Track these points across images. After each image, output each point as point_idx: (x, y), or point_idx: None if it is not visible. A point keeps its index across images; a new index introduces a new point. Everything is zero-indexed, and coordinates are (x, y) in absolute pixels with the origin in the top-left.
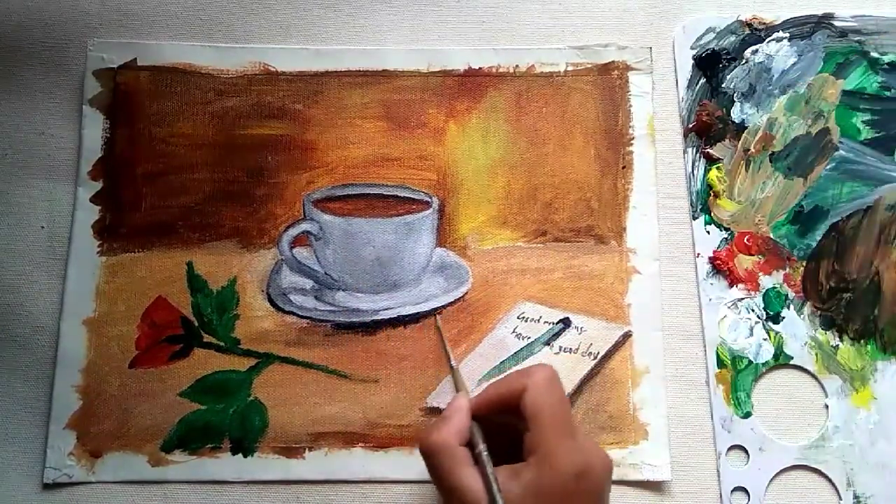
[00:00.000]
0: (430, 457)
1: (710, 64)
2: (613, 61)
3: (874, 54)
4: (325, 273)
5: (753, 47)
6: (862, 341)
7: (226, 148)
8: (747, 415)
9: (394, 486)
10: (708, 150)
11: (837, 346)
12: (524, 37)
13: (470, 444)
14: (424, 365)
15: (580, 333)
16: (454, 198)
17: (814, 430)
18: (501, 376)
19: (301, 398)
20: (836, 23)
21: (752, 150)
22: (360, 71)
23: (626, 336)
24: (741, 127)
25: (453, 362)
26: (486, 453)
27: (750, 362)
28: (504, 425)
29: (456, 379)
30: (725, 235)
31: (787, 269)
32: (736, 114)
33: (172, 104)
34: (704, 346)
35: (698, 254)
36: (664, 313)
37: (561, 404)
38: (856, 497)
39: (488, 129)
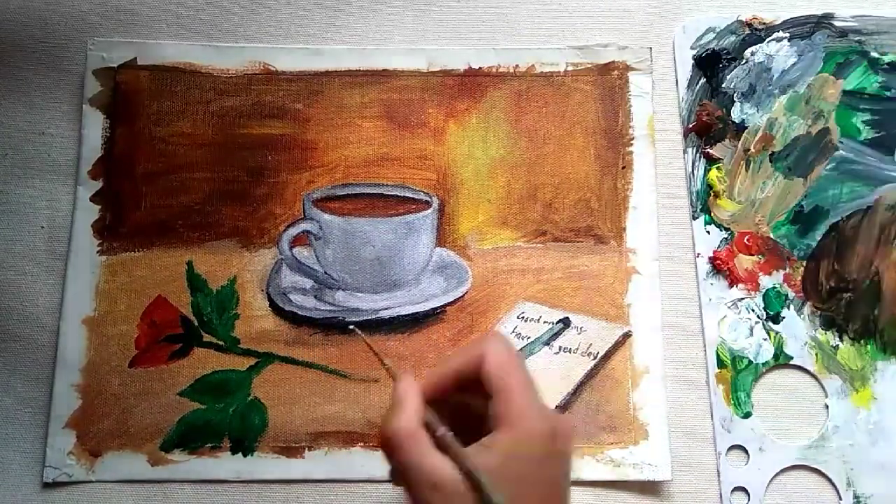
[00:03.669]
0: (394, 445)
1: (710, 64)
2: (613, 61)
3: (874, 54)
4: (325, 273)
5: (753, 47)
6: (862, 341)
7: (226, 147)
8: (747, 415)
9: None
10: (708, 150)
11: (837, 346)
12: (524, 37)
13: (427, 429)
14: (424, 365)
15: (580, 333)
16: (454, 197)
17: (814, 430)
18: (449, 355)
19: (301, 398)
20: (836, 23)
21: (752, 150)
22: (360, 71)
23: (626, 336)
24: (741, 127)
25: (386, 361)
26: (450, 433)
27: (750, 362)
28: (457, 407)
29: (392, 372)
30: (725, 235)
31: (787, 269)
32: (736, 114)
33: (172, 104)
34: (704, 346)
35: (698, 254)
36: (664, 313)
37: (523, 367)
38: (856, 497)
39: (488, 129)
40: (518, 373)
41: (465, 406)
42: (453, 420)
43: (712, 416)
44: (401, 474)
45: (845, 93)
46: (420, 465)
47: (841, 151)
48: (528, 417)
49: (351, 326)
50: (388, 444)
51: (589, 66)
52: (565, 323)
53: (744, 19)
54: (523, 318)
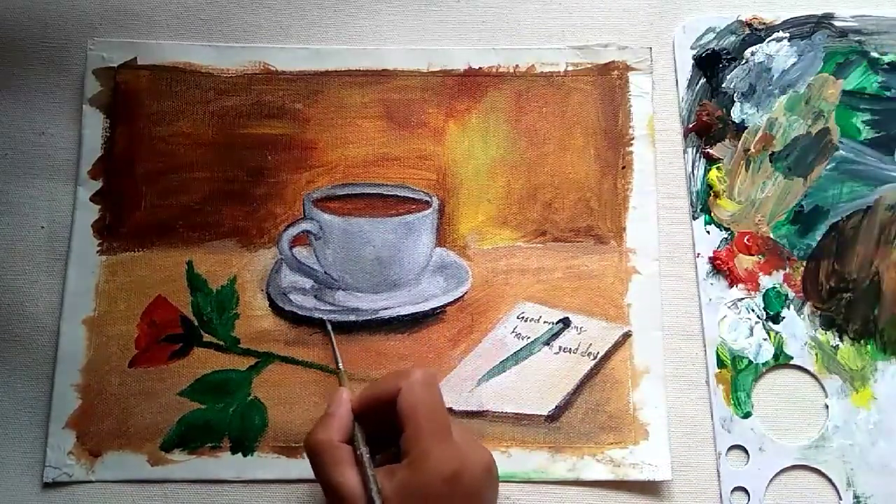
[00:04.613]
0: (314, 455)
1: (710, 64)
2: (613, 61)
3: (874, 54)
4: (325, 272)
5: (753, 47)
6: (862, 341)
7: (226, 147)
8: (747, 415)
9: None
10: (708, 150)
11: (837, 346)
12: (524, 37)
13: (352, 442)
14: (424, 365)
15: (580, 333)
16: (454, 197)
17: (814, 430)
18: (382, 377)
19: (301, 397)
20: (836, 23)
21: (752, 150)
22: (360, 71)
23: (626, 336)
24: (741, 127)
25: (340, 363)
26: (367, 455)
27: (750, 362)
28: (387, 424)
29: (340, 378)
30: (725, 235)
31: (787, 269)
32: (736, 114)
33: (172, 103)
34: (704, 346)
35: (698, 254)
36: (664, 313)
37: (435, 406)
38: (856, 497)
39: (488, 129)
40: (428, 411)
41: (393, 426)
42: (388, 437)
43: (712, 416)
44: (316, 478)
45: (845, 93)
46: (331, 478)
47: (841, 151)
48: (428, 457)
49: (325, 318)
50: (308, 450)
51: (589, 66)
52: (565, 323)
53: (744, 19)
54: (523, 318)
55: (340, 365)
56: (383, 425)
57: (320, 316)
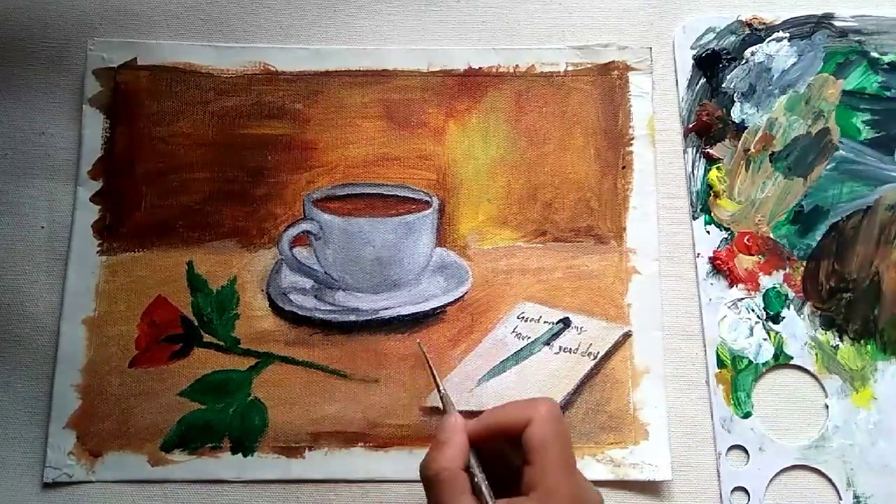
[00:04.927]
0: (436, 484)
1: (710, 64)
2: (613, 61)
3: (874, 54)
4: (325, 273)
5: (753, 47)
6: (862, 341)
7: (226, 148)
8: (747, 415)
9: (394, 485)
10: (708, 150)
11: (837, 346)
12: (524, 37)
13: (467, 470)
14: (424, 364)
15: (580, 333)
16: (454, 197)
17: (814, 430)
18: (501, 405)
19: (301, 398)
20: (836, 23)
21: (752, 150)
22: (360, 71)
23: (626, 336)
24: (741, 127)
25: (442, 388)
26: (486, 483)
27: (750, 362)
28: (494, 452)
29: (445, 403)
30: (725, 235)
31: (787, 269)
32: (736, 114)
33: (172, 104)
34: (704, 346)
35: (698, 254)
36: (664, 313)
37: (566, 440)
38: (856, 497)
39: (488, 129)
40: (559, 446)
41: (504, 455)
42: (491, 464)
43: (712, 416)
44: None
45: (845, 93)
46: None
47: (841, 151)
48: (558, 493)
49: (418, 342)
50: (428, 481)
51: (589, 66)
52: (565, 323)
53: (744, 19)
54: (523, 318)
55: (442, 389)
56: (493, 452)
57: (418, 342)
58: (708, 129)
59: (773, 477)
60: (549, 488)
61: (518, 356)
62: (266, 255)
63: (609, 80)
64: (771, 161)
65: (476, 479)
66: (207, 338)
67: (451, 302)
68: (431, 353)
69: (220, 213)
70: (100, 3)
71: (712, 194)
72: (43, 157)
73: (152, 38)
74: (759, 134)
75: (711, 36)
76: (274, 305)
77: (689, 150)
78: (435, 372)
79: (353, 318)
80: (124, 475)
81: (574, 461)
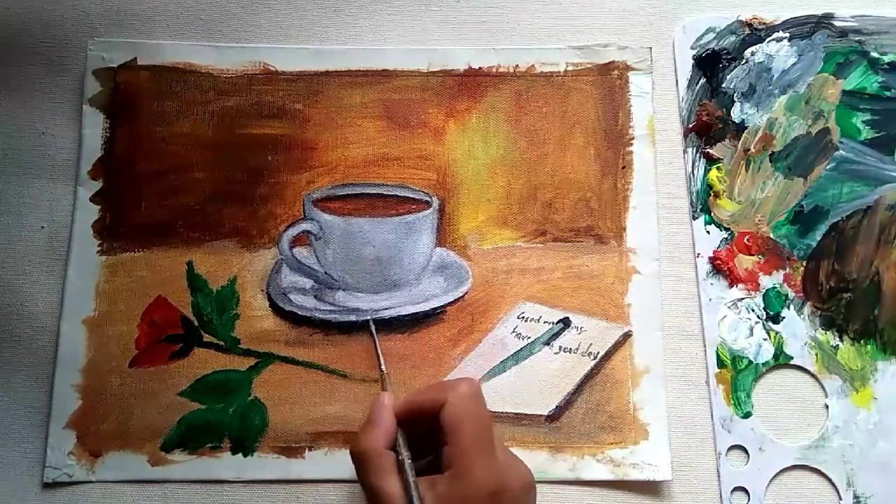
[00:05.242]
0: (361, 462)
1: (710, 64)
2: (613, 61)
3: (874, 54)
4: (325, 273)
5: (753, 47)
6: (862, 341)
7: (226, 148)
8: (747, 415)
9: None
10: (708, 150)
11: (837, 346)
12: (524, 37)
13: (394, 448)
14: (424, 365)
15: (580, 333)
16: (454, 197)
17: (814, 430)
18: (426, 386)
19: (301, 398)
20: (836, 23)
21: (752, 150)
22: (360, 71)
23: (626, 336)
24: (741, 127)
25: (383, 366)
26: (409, 461)
27: (750, 362)
28: (426, 432)
29: (382, 380)
30: (725, 235)
31: (787, 269)
32: (736, 114)
33: (172, 104)
34: (704, 346)
35: (698, 254)
36: (664, 313)
37: (481, 419)
38: (856, 497)
39: (488, 129)
40: (473, 425)
41: (433, 434)
42: (421, 441)
43: (712, 416)
44: (360, 482)
45: (845, 93)
46: (376, 485)
47: (841, 151)
48: (471, 472)
49: (369, 318)
50: (355, 458)
51: (589, 66)
52: (565, 323)
53: (744, 19)
54: (523, 318)
55: (383, 367)
56: (422, 432)
57: (364, 317)
58: (708, 129)
59: (773, 477)
60: (464, 467)
61: (518, 356)
62: (266, 255)
63: (609, 80)
64: (771, 161)
65: (401, 458)
66: (207, 338)
67: (451, 302)
68: (431, 353)
69: (220, 213)
70: (100, 3)
71: (712, 194)
72: (43, 157)
73: (152, 38)
74: (759, 134)
75: (711, 36)
76: (274, 305)
77: (689, 150)
78: (379, 349)
79: (353, 318)
80: (124, 475)
81: (492, 439)
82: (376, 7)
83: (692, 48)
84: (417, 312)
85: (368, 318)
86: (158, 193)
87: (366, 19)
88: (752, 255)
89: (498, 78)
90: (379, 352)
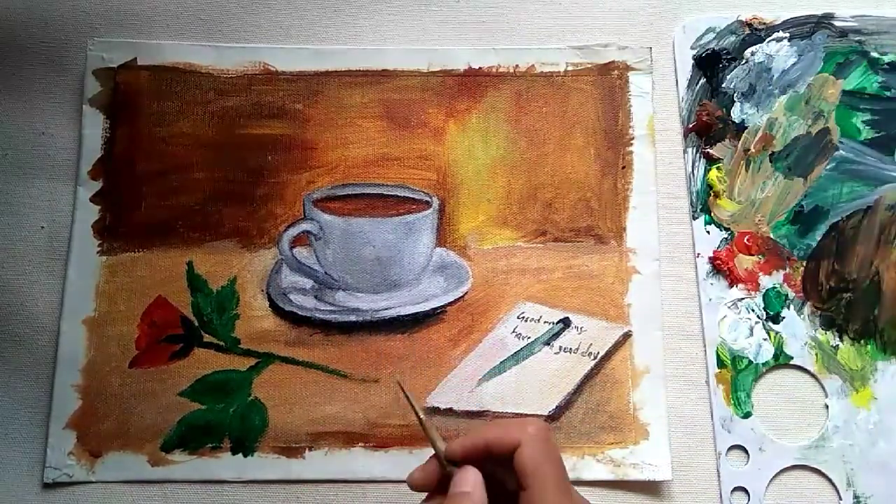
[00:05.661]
0: None
1: (710, 64)
2: (613, 61)
3: (874, 54)
4: (325, 273)
5: (753, 47)
6: (862, 341)
7: (226, 148)
8: (747, 415)
9: (394, 486)
10: (708, 150)
11: (837, 346)
12: (524, 37)
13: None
14: (424, 365)
15: (580, 333)
16: (454, 197)
17: (814, 430)
18: (487, 423)
19: (301, 398)
20: (836, 23)
21: (752, 150)
22: (360, 71)
23: (626, 336)
24: (741, 127)
25: (440, 444)
26: None
27: (750, 362)
28: (484, 472)
29: (441, 460)
30: (725, 235)
31: (787, 269)
32: (736, 114)
33: (172, 104)
34: (704, 346)
35: (698, 254)
36: (664, 313)
37: (558, 461)
38: (856, 497)
39: (488, 129)
40: (552, 468)
41: (494, 476)
42: (486, 486)
43: (712, 416)
44: None
45: (845, 93)
46: None
47: (841, 151)
48: None
49: (398, 380)
50: None
51: (589, 66)
52: (565, 323)
53: (744, 19)
54: (523, 318)
55: (439, 444)
56: (483, 472)
57: (397, 381)
58: (708, 129)
59: (773, 477)
60: None
61: (518, 356)
62: (266, 255)
63: (609, 80)
64: (771, 161)
65: None
66: (207, 338)
67: (451, 302)
68: (431, 353)
69: (220, 213)
70: (100, 3)
71: (712, 194)
72: (43, 157)
73: (152, 38)
74: (759, 134)
75: (711, 36)
76: (274, 305)
77: (689, 150)
78: (425, 425)
79: (353, 318)
80: (124, 475)
81: (568, 481)
82: (376, 7)
83: (692, 48)
84: (417, 312)
85: (398, 381)
86: (158, 193)
87: (366, 19)
88: (752, 255)
89: (498, 78)
90: (426, 427)
